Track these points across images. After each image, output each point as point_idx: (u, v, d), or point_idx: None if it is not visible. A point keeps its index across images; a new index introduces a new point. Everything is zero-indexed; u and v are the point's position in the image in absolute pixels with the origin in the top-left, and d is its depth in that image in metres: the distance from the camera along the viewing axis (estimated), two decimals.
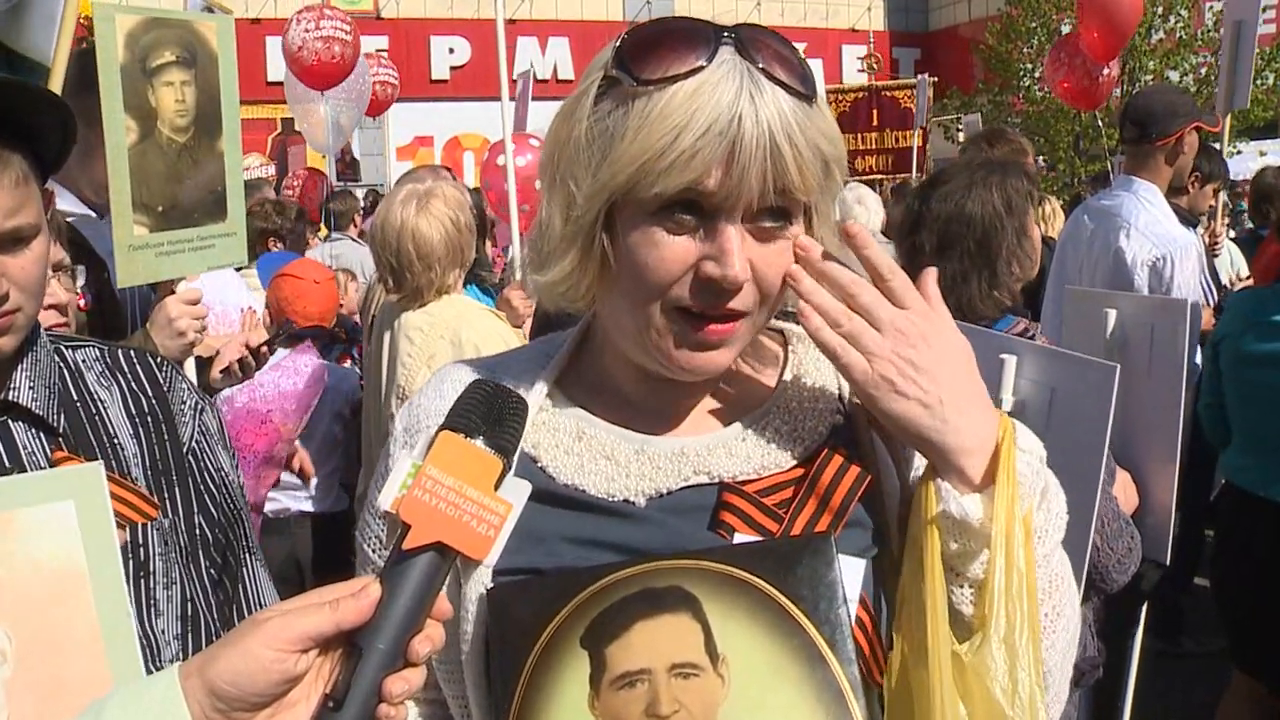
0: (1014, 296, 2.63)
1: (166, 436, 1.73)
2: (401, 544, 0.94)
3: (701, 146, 1.02)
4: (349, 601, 0.92)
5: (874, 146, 15.01)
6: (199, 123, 2.83)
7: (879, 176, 14.21)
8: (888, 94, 15.66)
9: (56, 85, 2.60)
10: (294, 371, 4.20)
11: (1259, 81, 19.44)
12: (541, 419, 1.22)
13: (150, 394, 1.75)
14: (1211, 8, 19.71)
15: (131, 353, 1.79)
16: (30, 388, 1.59)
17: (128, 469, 1.65)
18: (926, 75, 15.45)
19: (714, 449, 1.18)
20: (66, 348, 1.72)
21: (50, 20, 2.59)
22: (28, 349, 1.60)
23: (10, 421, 1.56)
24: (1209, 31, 19.97)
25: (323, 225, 9.50)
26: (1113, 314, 2.87)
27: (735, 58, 1.05)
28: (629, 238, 1.10)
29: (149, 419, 1.72)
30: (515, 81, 8.47)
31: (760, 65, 1.05)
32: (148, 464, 1.68)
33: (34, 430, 1.58)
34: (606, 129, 1.08)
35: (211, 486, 1.78)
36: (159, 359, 1.82)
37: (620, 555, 1.11)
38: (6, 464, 1.51)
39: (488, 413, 1.00)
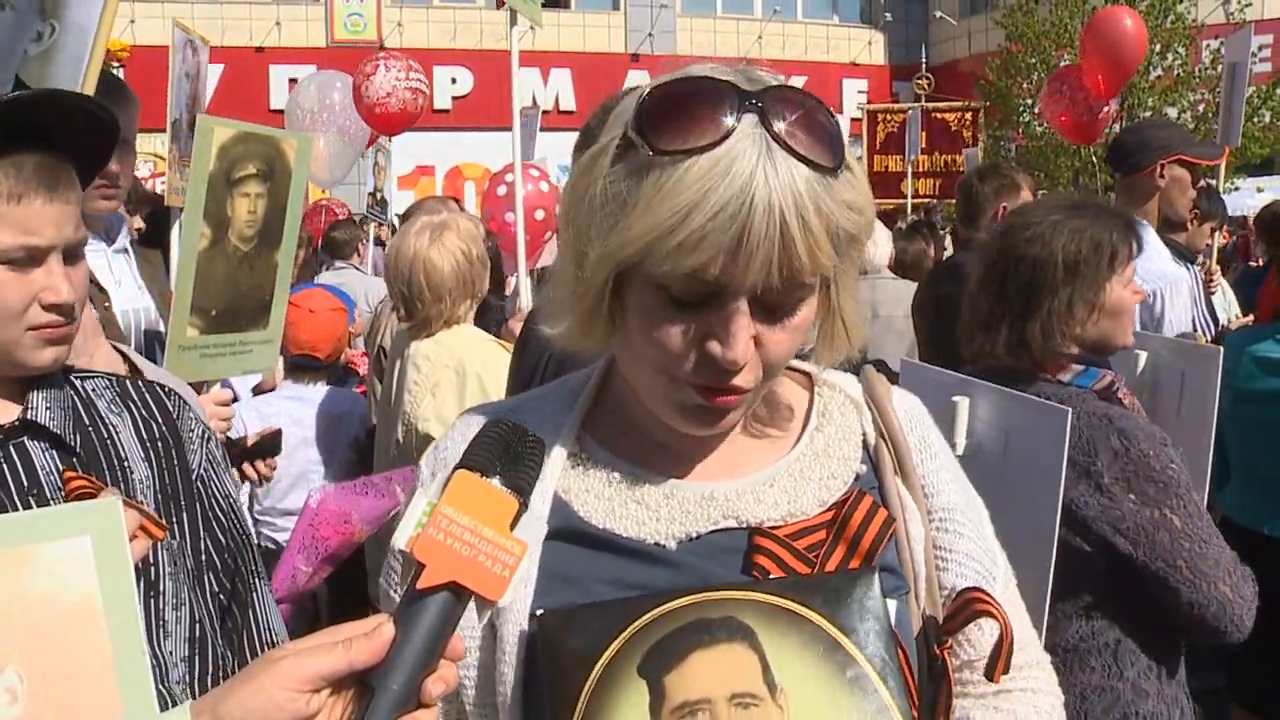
0: (1047, 359, 2.41)
1: (176, 462, 1.75)
2: (416, 583, 0.93)
3: (710, 230, 0.99)
4: (362, 641, 0.91)
5: (924, 169, 14.20)
6: (263, 234, 2.92)
7: (927, 200, 13.68)
8: (938, 115, 14.98)
9: None
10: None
11: (1256, 119, 19.61)
12: (572, 463, 1.21)
13: (160, 421, 1.78)
14: (1209, 46, 19.90)
15: (140, 383, 1.83)
16: (48, 408, 1.62)
17: (139, 492, 1.67)
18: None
19: (743, 494, 1.18)
20: (77, 377, 1.75)
21: (78, 62, 2.62)
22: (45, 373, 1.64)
23: (27, 441, 1.59)
24: (1206, 69, 20.15)
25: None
26: (1143, 356, 2.82)
27: (756, 130, 1.01)
28: (636, 306, 1.09)
29: (159, 444, 1.75)
30: (526, 110, 8.57)
31: (780, 137, 1.01)
32: (157, 488, 1.71)
33: (51, 450, 1.61)
34: (620, 194, 1.05)
35: (219, 512, 1.81)
36: (167, 389, 1.85)
37: None
38: (25, 483, 1.56)
39: (504, 452, 0.99)
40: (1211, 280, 6.19)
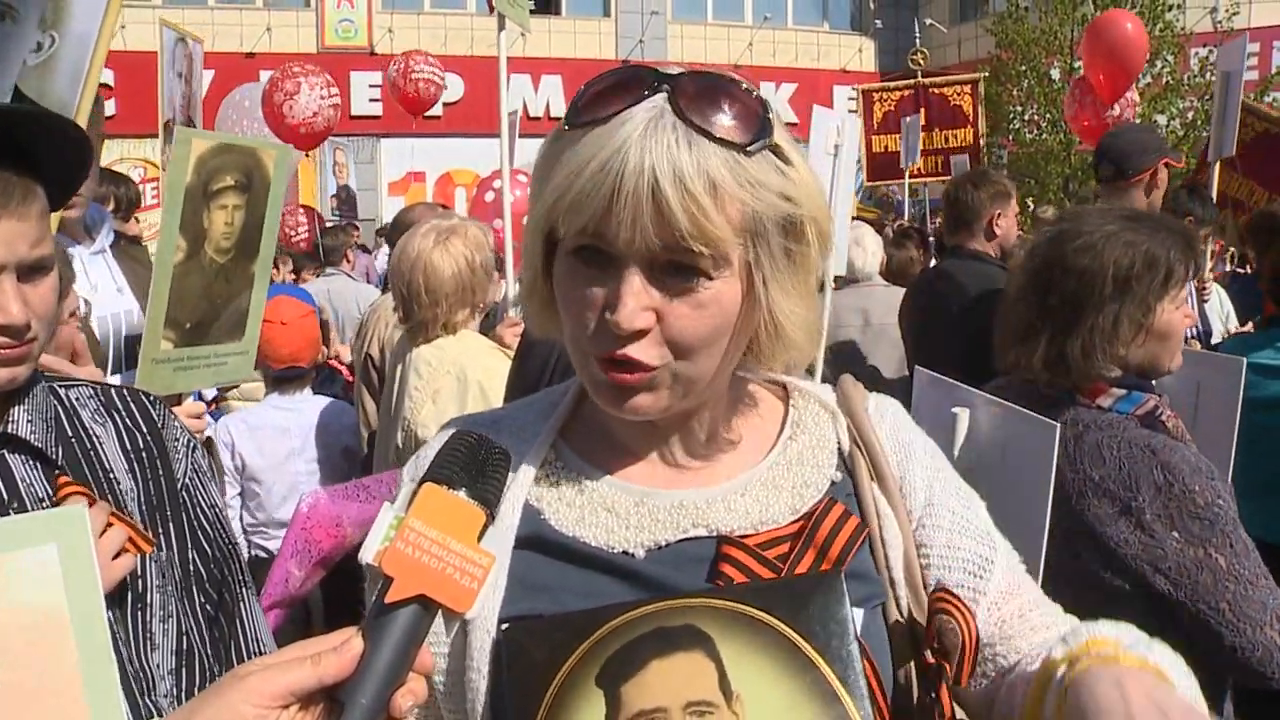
0: (1086, 379, 2.29)
1: (161, 472, 1.74)
2: (384, 597, 0.93)
3: (588, 187, 1.02)
4: (331, 656, 0.91)
5: (925, 147, 13.44)
6: (240, 245, 2.90)
7: (929, 180, 13.28)
8: (936, 91, 14.12)
9: None
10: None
11: None
12: (545, 472, 1.22)
13: (145, 431, 1.76)
14: (1197, 54, 20.00)
15: (125, 391, 1.81)
16: (29, 420, 1.60)
17: (124, 503, 1.66)
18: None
19: (713, 503, 1.18)
20: (60, 387, 1.73)
21: (77, 73, 2.61)
22: (25, 384, 1.61)
23: (8, 454, 1.58)
24: (1195, 77, 20.24)
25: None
26: None
27: (659, 103, 1.04)
28: (557, 278, 1.13)
29: (144, 455, 1.73)
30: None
31: (683, 110, 1.03)
32: (142, 499, 1.69)
33: (33, 462, 1.59)
34: (542, 170, 1.11)
35: (205, 523, 1.79)
36: (152, 397, 1.83)
37: None
38: (5, 496, 1.54)
39: (469, 464, 0.99)
40: (1205, 288, 6.21)
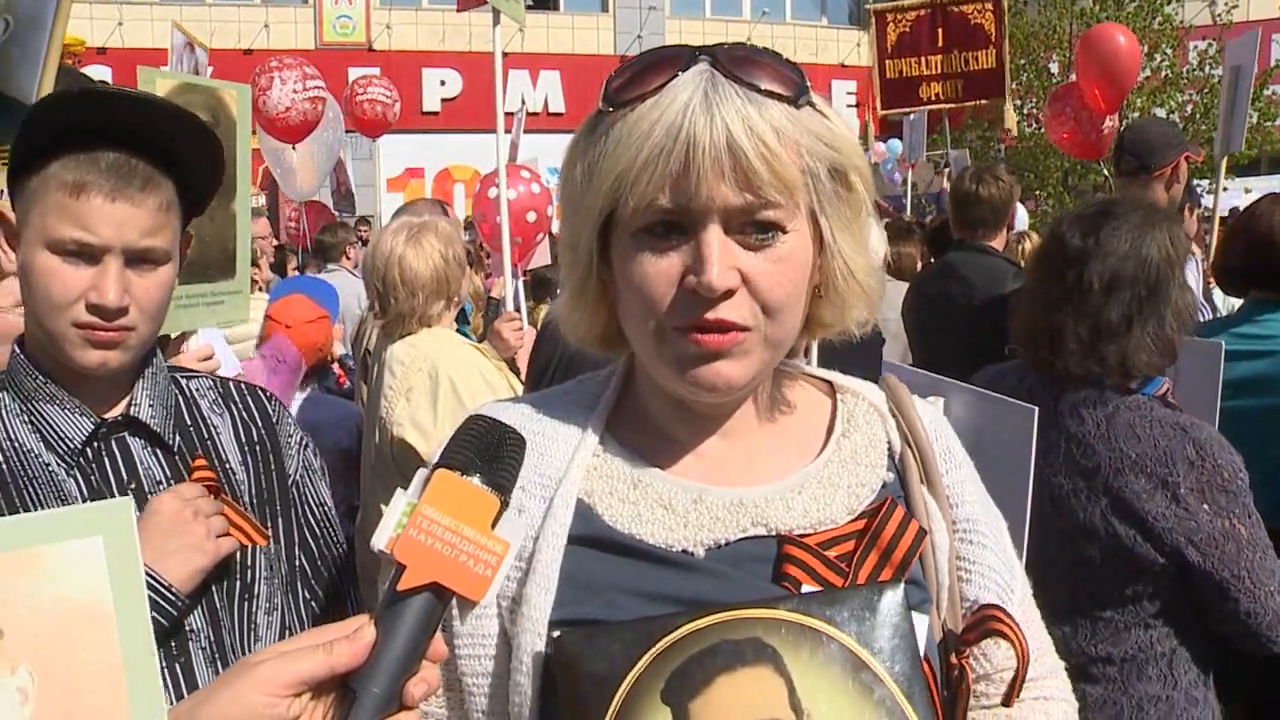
0: (1173, 354, 2.37)
1: (274, 467, 1.77)
2: (397, 584, 0.92)
3: (660, 152, 1.02)
4: (343, 644, 0.90)
5: (939, 70, 12.66)
6: None
7: (947, 105, 12.66)
8: (955, 9, 12.89)
9: None
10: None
11: None
12: (595, 464, 1.19)
13: (260, 425, 1.79)
14: (1195, 46, 19.99)
15: (244, 385, 1.85)
16: (150, 405, 1.65)
17: (238, 494, 1.70)
18: (926, 111, 14.84)
19: (771, 500, 1.16)
20: (181, 377, 1.77)
21: (35, 59, 2.62)
22: (144, 369, 1.66)
23: (129, 436, 1.62)
24: (1193, 70, 20.23)
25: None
26: None
27: (706, 69, 1.05)
28: (619, 262, 1.11)
29: (258, 449, 1.77)
30: (511, 115, 8.55)
31: (728, 70, 1.05)
32: (254, 492, 1.73)
33: (152, 448, 1.64)
34: (590, 157, 1.10)
35: (313, 520, 1.82)
36: (268, 392, 1.87)
37: (681, 606, 1.08)
38: (124, 476, 1.60)
39: (483, 449, 0.98)
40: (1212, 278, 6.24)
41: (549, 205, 6.30)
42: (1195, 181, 6.29)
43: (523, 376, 4.37)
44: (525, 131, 9.72)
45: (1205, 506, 2.18)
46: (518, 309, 5.07)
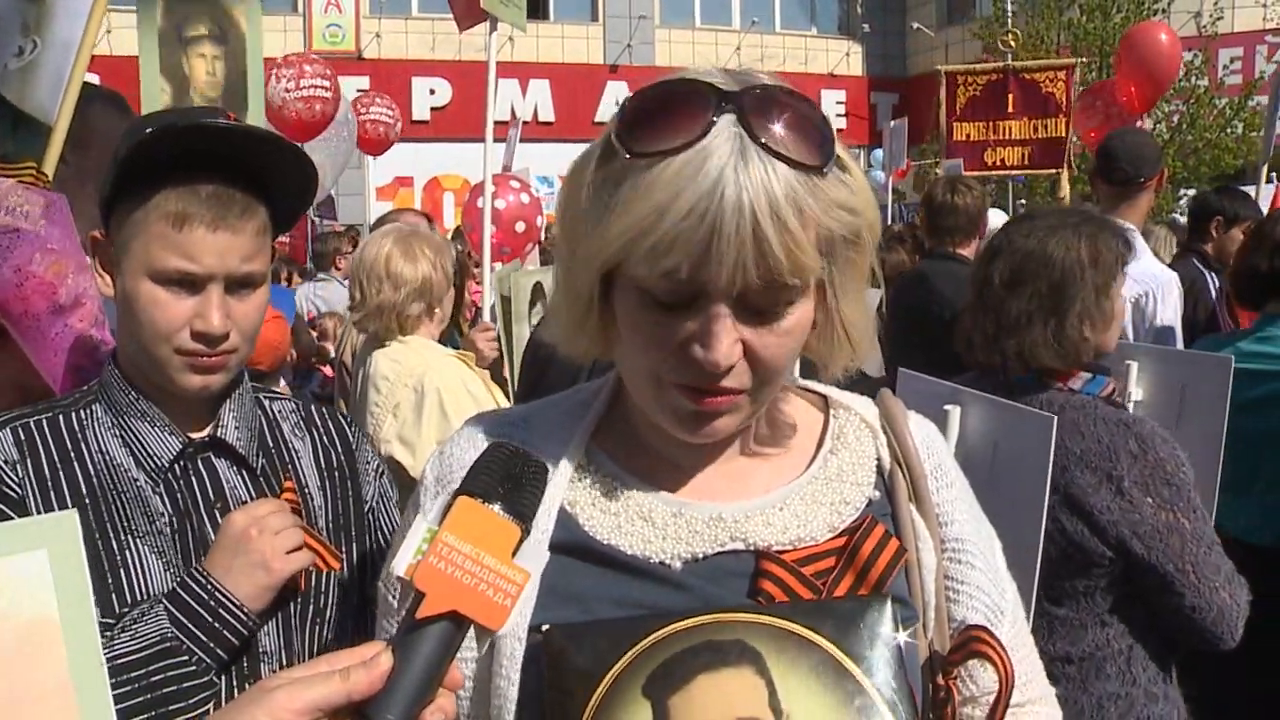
0: (1084, 356, 2.43)
1: (351, 494, 1.78)
2: (415, 612, 0.91)
3: (681, 231, 0.98)
4: (360, 670, 0.89)
5: (1009, 137, 12.50)
6: (227, 97, 2.95)
7: (1016, 172, 12.60)
8: (1028, 76, 12.73)
9: (58, 145, 2.63)
10: None
11: (1229, 130, 19.79)
12: (579, 475, 1.19)
13: (339, 450, 1.81)
14: (1182, 57, 20.09)
15: (325, 410, 1.87)
16: (236, 427, 1.66)
17: (314, 519, 1.71)
18: (905, 120, 15.00)
19: (752, 516, 1.16)
20: (265, 398, 1.79)
21: (58, 79, 2.60)
22: (232, 390, 1.68)
23: (214, 457, 1.64)
24: (1180, 81, 20.33)
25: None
26: (1133, 366, 2.80)
27: (733, 128, 1.00)
28: (623, 310, 1.10)
29: (335, 474, 1.78)
30: (505, 124, 8.52)
31: (758, 136, 0.99)
32: (330, 517, 1.73)
33: (236, 469, 1.66)
34: (601, 197, 1.05)
35: (386, 549, 1.79)
36: (348, 418, 1.89)
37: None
38: (211, 495, 1.62)
39: (506, 477, 0.97)
40: None
41: (539, 215, 6.28)
42: (1184, 190, 6.31)
43: (511, 387, 4.35)
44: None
45: (1149, 499, 2.22)
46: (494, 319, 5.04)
